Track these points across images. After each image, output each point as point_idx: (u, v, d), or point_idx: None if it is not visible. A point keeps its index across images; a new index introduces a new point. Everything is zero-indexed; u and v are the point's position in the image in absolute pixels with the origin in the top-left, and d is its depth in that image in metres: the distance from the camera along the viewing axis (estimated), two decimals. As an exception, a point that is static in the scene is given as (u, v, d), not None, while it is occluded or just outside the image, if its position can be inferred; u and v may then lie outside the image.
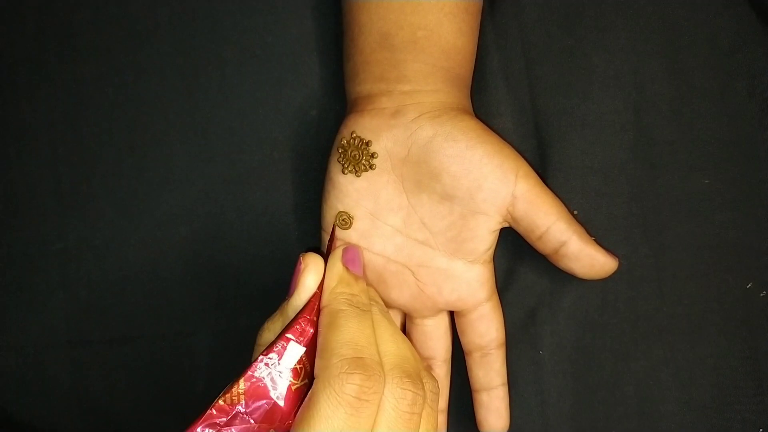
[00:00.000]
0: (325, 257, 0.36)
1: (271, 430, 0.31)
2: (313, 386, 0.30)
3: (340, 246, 0.37)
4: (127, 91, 0.43)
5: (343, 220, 0.38)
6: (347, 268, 0.35)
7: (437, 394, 0.34)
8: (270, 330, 0.34)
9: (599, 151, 0.40)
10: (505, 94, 0.41)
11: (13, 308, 0.43)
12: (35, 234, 0.43)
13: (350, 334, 0.32)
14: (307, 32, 0.42)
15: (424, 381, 0.33)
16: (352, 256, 0.36)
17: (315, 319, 0.33)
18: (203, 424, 0.30)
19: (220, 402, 0.30)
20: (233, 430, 0.31)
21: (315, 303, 0.34)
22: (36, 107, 0.43)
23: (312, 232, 0.42)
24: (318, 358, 0.31)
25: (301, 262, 0.34)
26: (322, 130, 0.42)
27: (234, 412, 0.30)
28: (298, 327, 0.32)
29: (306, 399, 0.30)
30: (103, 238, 0.43)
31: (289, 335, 0.32)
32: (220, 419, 0.30)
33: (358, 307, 0.33)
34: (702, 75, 0.39)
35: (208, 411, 0.30)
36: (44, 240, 0.43)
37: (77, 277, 0.43)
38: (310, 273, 0.34)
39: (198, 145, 0.43)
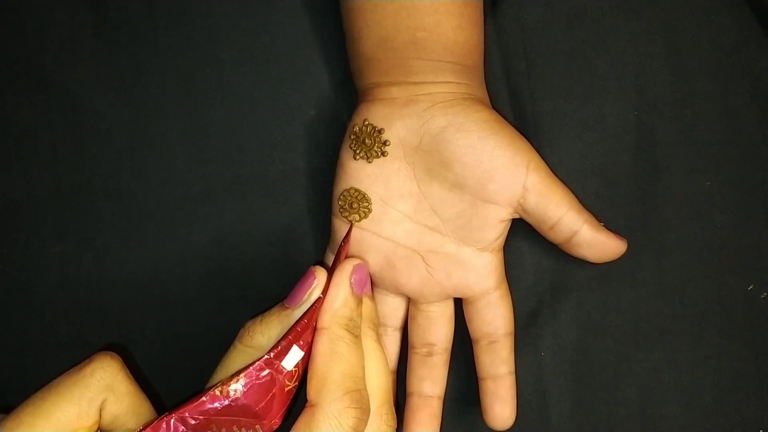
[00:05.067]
0: (335, 262, 0.35)
1: (258, 425, 0.32)
2: (315, 413, 0.31)
3: (349, 260, 0.35)
4: (126, 93, 0.43)
5: (351, 204, 0.38)
6: (353, 289, 0.35)
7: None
8: (264, 335, 0.34)
9: (600, 154, 0.40)
10: (506, 96, 0.41)
11: (14, 309, 0.43)
12: (35, 235, 0.43)
13: (351, 365, 0.33)
14: (304, 31, 0.42)
15: None
16: (360, 277, 0.35)
17: (314, 324, 0.33)
18: (193, 410, 0.30)
19: (216, 391, 0.31)
20: (223, 419, 0.31)
21: (318, 308, 0.34)
22: (36, 109, 0.43)
23: (312, 233, 0.42)
24: (319, 386, 0.32)
25: (314, 276, 0.34)
26: (321, 129, 0.42)
27: (226, 403, 0.31)
28: (299, 329, 0.32)
29: (303, 426, 0.31)
30: (103, 239, 0.43)
31: (291, 338, 0.32)
32: (211, 407, 0.31)
33: (354, 334, 0.34)
34: (704, 77, 0.39)
35: (200, 398, 0.30)
36: (44, 241, 0.43)
37: (77, 278, 0.43)
38: (320, 290, 0.34)
39: (197, 146, 0.42)
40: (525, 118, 0.40)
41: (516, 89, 0.41)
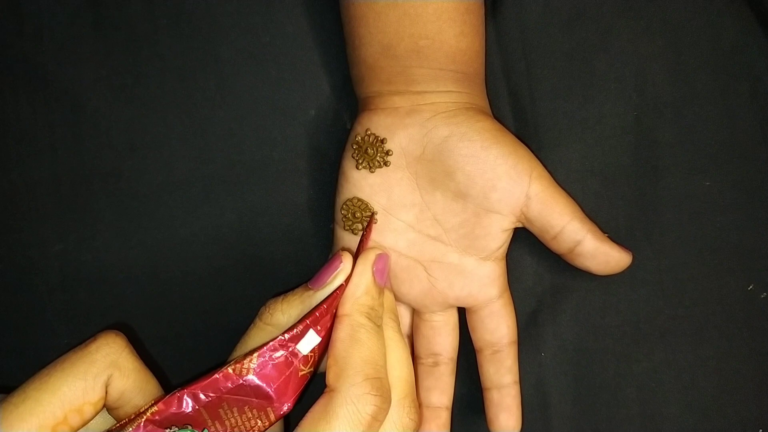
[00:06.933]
0: (358, 250, 0.35)
1: (269, 408, 0.31)
2: (333, 398, 0.31)
3: (372, 249, 0.35)
4: (126, 94, 0.42)
5: (353, 213, 0.38)
6: (375, 278, 0.34)
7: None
8: (285, 314, 0.33)
9: (600, 154, 0.40)
10: (506, 96, 0.41)
11: (14, 310, 0.43)
12: (35, 235, 0.43)
13: (372, 352, 0.32)
14: (303, 30, 0.42)
15: None
16: (382, 266, 0.35)
17: (334, 311, 0.33)
18: (206, 387, 0.30)
19: (229, 369, 0.30)
20: (234, 398, 0.31)
21: (339, 295, 0.33)
22: (36, 109, 0.43)
23: (312, 233, 0.42)
24: (339, 371, 0.31)
25: (341, 260, 0.34)
26: (320, 129, 0.42)
27: (240, 382, 0.31)
28: (318, 314, 0.32)
29: (320, 409, 0.31)
30: (103, 239, 0.43)
31: (309, 322, 0.32)
32: (224, 385, 0.30)
33: (375, 323, 0.33)
34: (704, 77, 0.39)
35: (213, 375, 0.30)
36: (44, 241, 0.43)
37: (77, 279, 0.43)
38: (346, 275, 0.34)
39: (197, 146, 0.42)
40: (525, 118, 0.40)
41: (516, 89, 0.41)
